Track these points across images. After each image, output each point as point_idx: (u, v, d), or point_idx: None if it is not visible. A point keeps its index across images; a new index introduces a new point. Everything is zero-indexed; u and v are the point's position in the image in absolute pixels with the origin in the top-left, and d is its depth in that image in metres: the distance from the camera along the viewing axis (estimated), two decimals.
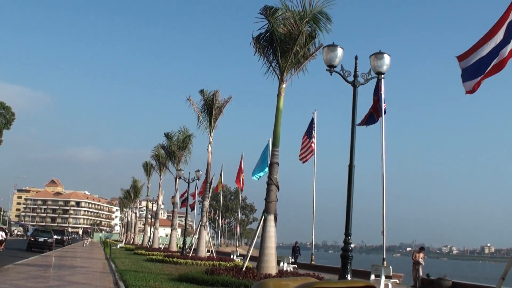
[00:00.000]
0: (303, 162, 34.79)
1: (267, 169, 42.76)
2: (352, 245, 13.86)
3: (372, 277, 18.06)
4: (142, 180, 74.14)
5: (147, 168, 58.46)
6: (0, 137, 70.68)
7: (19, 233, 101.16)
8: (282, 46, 17.96)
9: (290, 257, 28.70)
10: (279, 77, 18.54)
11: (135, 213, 79.45)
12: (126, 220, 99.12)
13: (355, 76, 12.26)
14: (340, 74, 12.22)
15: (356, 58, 12.39)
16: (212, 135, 30.44)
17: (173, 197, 69.43)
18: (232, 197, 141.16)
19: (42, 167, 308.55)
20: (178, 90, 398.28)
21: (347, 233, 11.74)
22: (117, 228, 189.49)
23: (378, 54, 12.22)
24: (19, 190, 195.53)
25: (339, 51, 12.06)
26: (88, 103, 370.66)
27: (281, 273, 17.52)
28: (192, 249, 30.15)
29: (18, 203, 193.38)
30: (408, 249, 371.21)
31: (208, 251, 30.01)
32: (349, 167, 12.06)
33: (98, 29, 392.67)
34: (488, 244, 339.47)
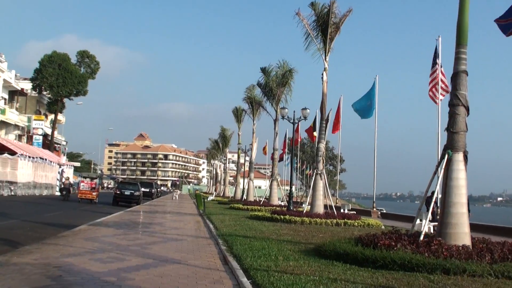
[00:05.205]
0: (437, 103, 27.17)
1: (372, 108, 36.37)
2: None
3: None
4: (232, 128, 69.39)
5: (238, 113, 52.71)
6: (85, 86, 67.94)
7: (109, 186, 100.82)
8: None
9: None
10: None
11: (225, 164, 74.92)
12: (214, 172, 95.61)
13: None
14: None
15: None
16: (327, 59, 23.74)
17: (264, 147, 64.32)
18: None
19: (133, 123, 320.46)
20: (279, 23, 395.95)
21: None
22: (205, 180, 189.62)
23: None
24: (110, 144, 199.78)
25: None
26: (182, 61, 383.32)
27: (478, 245, 10.88)
28: (307, 203, 24.08)
29: (109, 157, 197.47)
30: (499, 199, 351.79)
31: (326, 206, 23.82)
32: None
33: None
34: None
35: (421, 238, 11.07)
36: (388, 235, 11.69)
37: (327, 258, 10.49)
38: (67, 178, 46.40)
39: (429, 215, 12.82)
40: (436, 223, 18.49)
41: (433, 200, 13.05)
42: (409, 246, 10.41)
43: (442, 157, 11.69)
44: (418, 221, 14.14)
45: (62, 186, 42.96)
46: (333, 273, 8.82)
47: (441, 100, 26.29)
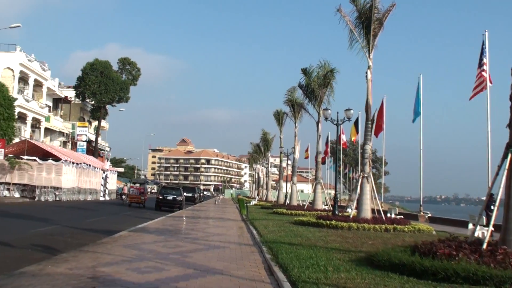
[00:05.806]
0: (470, 98, 26.27)
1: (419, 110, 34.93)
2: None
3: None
4: (273, 132, 68.63)
5: (279, 116, 51.92)
6: (127, 93, 68.61)
7: (153, 190, 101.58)
8: None
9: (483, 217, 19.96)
10: None
11: (267, 168, 74.20)
12: (256, 176, 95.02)
13: None
14: None
15: None
16: (371, 57, 22.78)
17: (306, 151, 63.28)
18: (361, 150, 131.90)
19: (175, 128, 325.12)
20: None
21: None
22: (247, 185, 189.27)
23: None
24: (153, 150, 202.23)
25: None
26: (223, 67, 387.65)
27: None
28: (353, 207, 23.08)
29: (153, 162, 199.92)
30: None
31: (372, 211, 22.74)
32: None
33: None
34: None
35: (484, 246, 10.06)
36: (446, 243, 10.70)
37: (381, 268, 9.62)
38: (125, 184, 53.57)
39: (492, 220, 11.67)
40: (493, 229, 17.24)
41: (497, 204, 11.95)
42: (472, 255, 9.43)
43: (505, 156, 10.67)
44: (478, 227, 12.96)
45: (121, 191, 49.70)
46: (389, 286, 7.99)
47: (488, 88, 25.08)
